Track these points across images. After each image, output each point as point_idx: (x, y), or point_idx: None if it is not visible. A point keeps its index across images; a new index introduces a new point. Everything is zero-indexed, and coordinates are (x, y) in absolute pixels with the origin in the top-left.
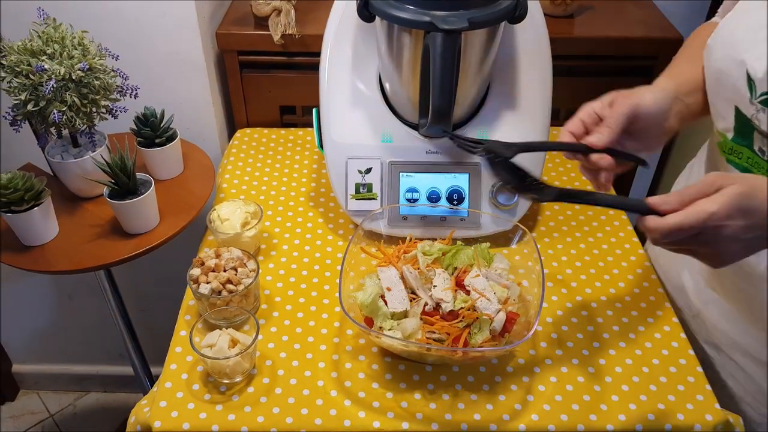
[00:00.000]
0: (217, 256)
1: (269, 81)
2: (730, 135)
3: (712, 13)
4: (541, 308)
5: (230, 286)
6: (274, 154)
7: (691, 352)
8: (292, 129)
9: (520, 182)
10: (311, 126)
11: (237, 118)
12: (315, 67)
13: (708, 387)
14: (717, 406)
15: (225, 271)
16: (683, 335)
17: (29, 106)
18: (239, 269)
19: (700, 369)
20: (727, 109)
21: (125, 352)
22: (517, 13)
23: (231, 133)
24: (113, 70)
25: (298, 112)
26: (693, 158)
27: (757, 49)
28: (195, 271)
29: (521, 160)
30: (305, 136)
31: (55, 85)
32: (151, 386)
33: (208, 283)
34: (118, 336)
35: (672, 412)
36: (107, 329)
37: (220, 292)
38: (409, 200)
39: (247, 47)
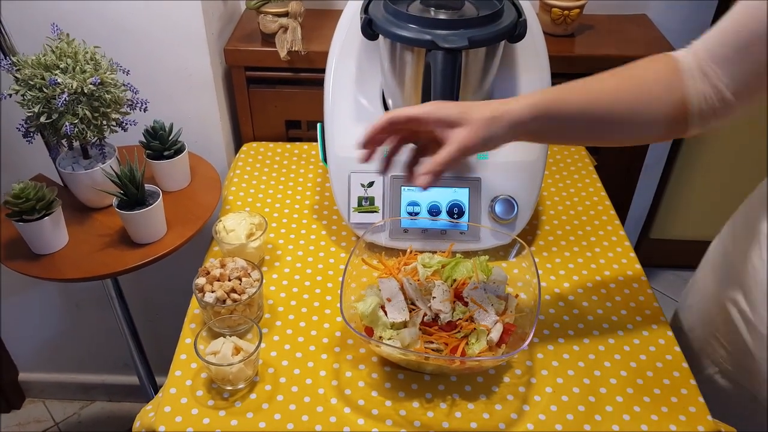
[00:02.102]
0: (222, 266)
1: (275, 96)
2: None
3: None
4: (537, 320)
5: (234, 295)
6: (279, 168)
7: (685, 365)
8: (297, 143)
9: None
10: (316, 140)
11: (243, 131)
12: (320, 83)
13: (701, 399)
14: (709, 417)
15: (230, 280)
16: (677, 348)
17: (42, 119)
18: (243, 279)
19: (693, 381)
20: None
21: (131, 362)
22: (517, 32)
23: (237, 146)
24: (124, 85)
25: (303, 126)
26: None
27: None
28: (200, 280)
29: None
30: (310, 150)
31: (67, 99)
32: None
33: (213, 291)
34: (124, 345)
35: (665, 423)
36: (113, 339)
37: (224, 301)
38: (410, 213)
39: (254, 63)
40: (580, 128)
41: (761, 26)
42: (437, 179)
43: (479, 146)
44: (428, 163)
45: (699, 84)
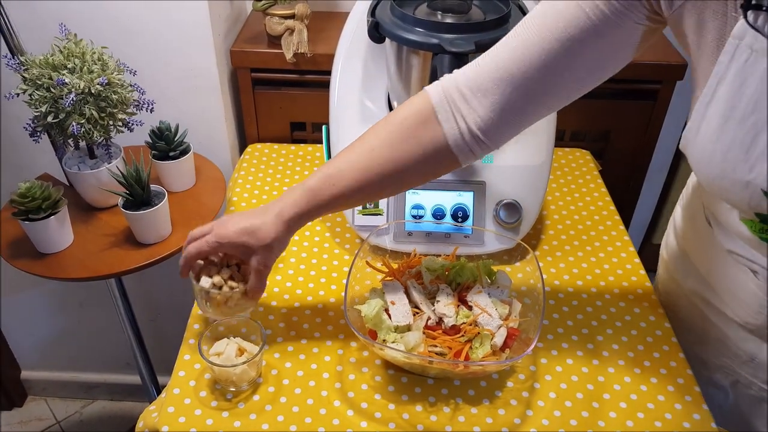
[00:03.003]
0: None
1: (281, 98)
2: (757, 221)
3: None
4: (542, 325)
5: (232, 283)
6: (284, 169)
7: (689, 371)
8: (302, 145)
9: None
10: (320, 142)
11: (248, 133)
12: (325, 85)
13: (705, 406)
14: (714, 425)
15: (228, 266)
16: (682, 355)
17: (49, 118)
18: (243, 266)
19: (697, 389)
20: (747, 213)
21: (133, 361)
22: None
23: (242, 147)
24: (131, 85)
25: (308, 128)
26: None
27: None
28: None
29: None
30: (314, 152)
31: (74, 99)
32: (158, 395)
33: (210, 276)
34: (126, 345)
35: (669, 430)
36: (116, 338)
37: (221, 288)
38: (414, 217)
39: (260, 65)
40: (342, 205)
41: (511, 66)
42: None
43: (272, 261)
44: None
45: (455, 118)
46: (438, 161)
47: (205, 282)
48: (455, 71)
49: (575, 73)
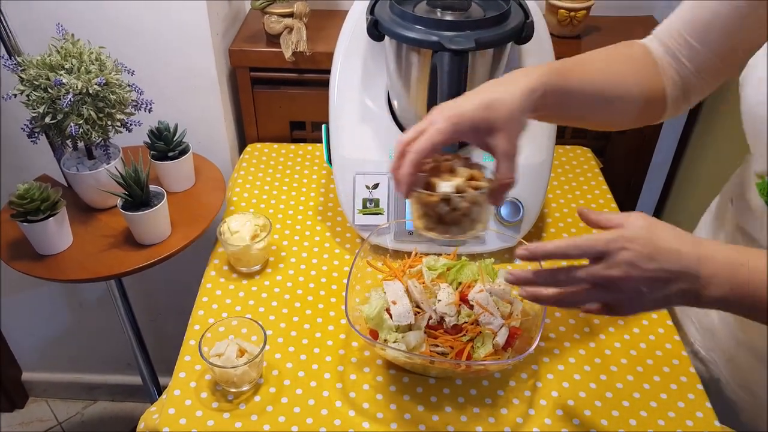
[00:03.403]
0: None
1: (280, 97)
2: None
3: None
4: (544, 323)
5: (475, 182)
6: (284, 169)
7: (692, 369)
8: (302, 144)
9: None
10: (320, 141)
11: (248, 132)
12: (325, 84)
13: (708, 404)
14: (717, 423)
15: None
16: (684, 353)
17: (47, 119)
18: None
19: (700, 386)
20: None
21: (134, 362)
22: (524, 34)
23: (242, 147)
24: (129, 85)
25: (308, 127)
26: (712, 202)
27: None
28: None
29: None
30: (314, 152)
31: (72, 99)
32: (159, 396)
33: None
34: (127, 345)
35: (672, 428)
36: (116, 339)
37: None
38: None
39: (259, 64)
40: (576, 105)
41: (716, 12)
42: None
43: (517, 143)
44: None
45: (668, 71)
46: (650, 107)
47: (446, 186)
48: (664, 23)
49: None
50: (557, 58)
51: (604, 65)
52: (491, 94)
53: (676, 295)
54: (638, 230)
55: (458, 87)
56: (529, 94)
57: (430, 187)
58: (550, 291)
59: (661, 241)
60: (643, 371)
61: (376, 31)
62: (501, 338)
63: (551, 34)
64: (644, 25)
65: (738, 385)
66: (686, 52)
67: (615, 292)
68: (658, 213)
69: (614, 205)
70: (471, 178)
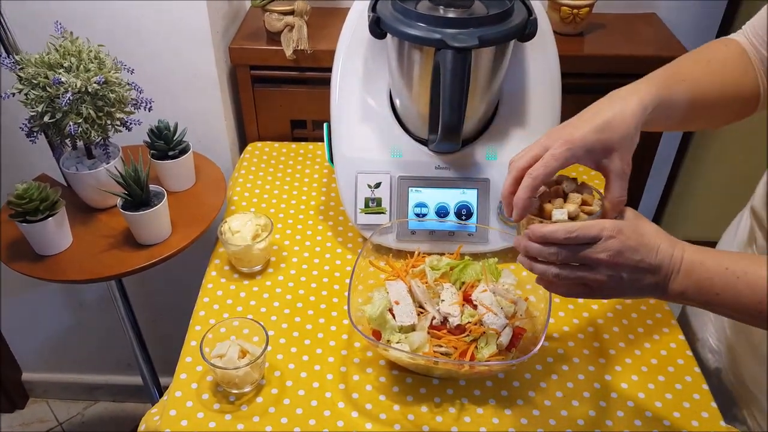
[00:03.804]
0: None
1: (281, 95)
2: None
3: (722, 30)
4: (548, 324)
5: (587, 207)
6: (285, 168)
7: (697, 369)
8: (303, 143)
9: None
10: (321, 140)
11: (248, 131)
12: (326, 83)
13: (713, 404)
14: (722, 423)
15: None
16: (689, 352)
17: (45, 118)
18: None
19: (705, 386)
20: None
21: (134, 362)
22: (527, 31)
23: (242, 146)
24: (128, 84)
25: (309, 126)
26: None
27: None
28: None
29: None
30: (315, 150)
31: (71, 98)
32: (160, 396)
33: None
34: (127, 346)
35: (677, 429)
36: (117, 339)
37: (575, 218)
38: (417, 215)
39: (260, 62)
40: (680, 114)
41: None
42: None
43: (630, 162)
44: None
45: (760, 66)
46: (747, 97)
47: (560, 214)
48: (746, 27)
49: None
50: (560, 55)
51: (706, 71)
52: (604, 114)
53: (649, 287)
54: (627, 223)
55: (461, 85)
56: (642, 112)
57: (542, 212)
58: (543, 265)
59: (645, 236)
60: (648, 371)
61: (378, 28)
62: (505, 338)
63: (553, 31)
64: (647, 22)
65: (733, 375)
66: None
67: (598, 275)
68: (659, 211)
69: None
70: (583, 203)
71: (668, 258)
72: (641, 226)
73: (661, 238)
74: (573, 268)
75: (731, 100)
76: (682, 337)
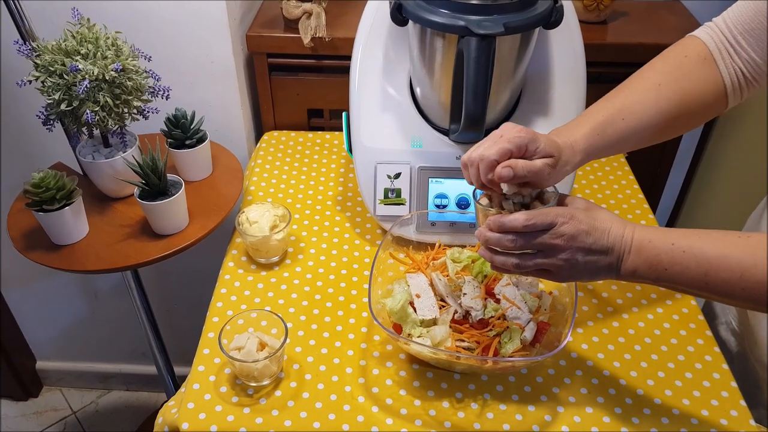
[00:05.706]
0: None
1: (298, 84)
2: None
3: None
4: (574, 318)
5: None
6: (302, 157)
7: (725, 366)
8: (320, 132)
9: None
10: (338, 129)
11: (265, 120)
12: (344, 71)
13: (742, 402)
14: (752, 422)
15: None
16: (717, 349)
17: (62, 106)
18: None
19: (734, 384)
20: None
21: (149, 352)
22: (553, 19)
23: (258, 135)
24: (146, 71)
25: (326, 115)
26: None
27: None
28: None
29: None
30: (332, 140)
31: (88, 85)
32: (174, 386)
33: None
34: (142, 335)
35: (706, 427)
36: (131, 328)
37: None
38: (438, 206)
39: (277, 50)
40: (630, 145)
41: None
42: None
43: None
44: None
45: (728, 61)
46: (711, 103)
47: (506, 188)
48: (718, 20)
49: None
50: (585, 44)
51: (655, 93)
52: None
53: (604, 268)
54: (580, 209)
55: (485, 73)
56: (580, 154)
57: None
58: (502, 257)
59: (597, 220)
60: (674, 368)
61: (399, 15)
62: (529, 333)
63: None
64: (671, 11)
65: (755, 359)
66: (752, 36)
67: (555, 260)
68: (678, 205)
69: (641, 195)
70: (537, 197)
71: (619, 239)
72: (593, 211)
73: (612, 221)
74: (531, 256)
75: (694, 108)
76: (709, 333)
